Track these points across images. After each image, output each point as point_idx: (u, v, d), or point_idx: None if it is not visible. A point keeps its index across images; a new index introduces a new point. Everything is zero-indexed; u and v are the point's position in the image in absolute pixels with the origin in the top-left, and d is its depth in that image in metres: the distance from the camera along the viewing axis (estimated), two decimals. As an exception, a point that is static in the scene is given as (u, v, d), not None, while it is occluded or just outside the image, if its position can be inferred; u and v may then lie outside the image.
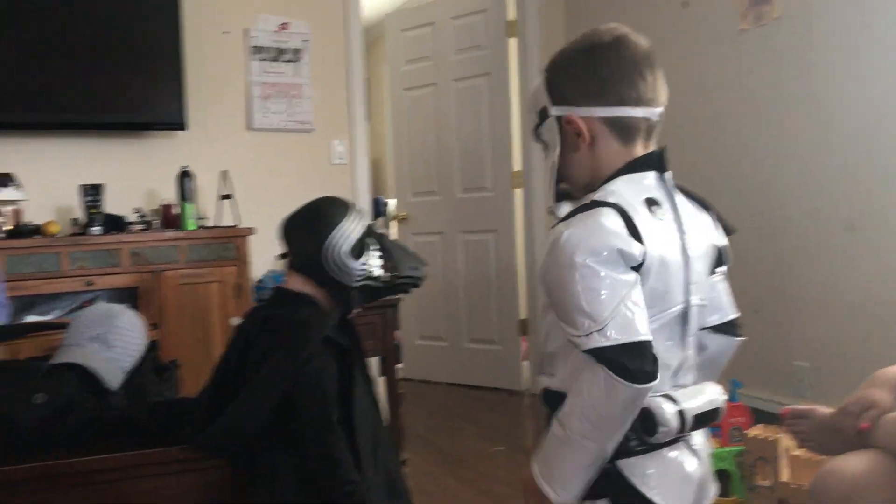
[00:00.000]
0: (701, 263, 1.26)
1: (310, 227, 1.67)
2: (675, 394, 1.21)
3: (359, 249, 1.62)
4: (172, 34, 3.53)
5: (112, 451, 1.73)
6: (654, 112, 1.26)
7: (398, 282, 1.63)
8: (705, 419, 1.25)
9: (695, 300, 1.24)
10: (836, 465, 1.55)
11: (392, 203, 5.80)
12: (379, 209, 6.35)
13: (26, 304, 3.05)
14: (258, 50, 3.92)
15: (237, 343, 1.67)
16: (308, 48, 4.03)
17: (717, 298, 1.32)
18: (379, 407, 1.70)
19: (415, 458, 3.53)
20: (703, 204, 1.32)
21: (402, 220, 5.19)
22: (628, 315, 1.10)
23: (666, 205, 1.23)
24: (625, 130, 1.25)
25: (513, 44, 4.60)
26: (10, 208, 3.18)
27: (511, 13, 4.59)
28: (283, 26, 3.97)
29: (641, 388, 1.10)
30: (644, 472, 1.21)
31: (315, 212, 1.69)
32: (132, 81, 3.48)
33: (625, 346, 1.09)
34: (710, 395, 1.26)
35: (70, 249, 3.11)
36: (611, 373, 1.09)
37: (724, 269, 1.34)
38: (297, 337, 1.56)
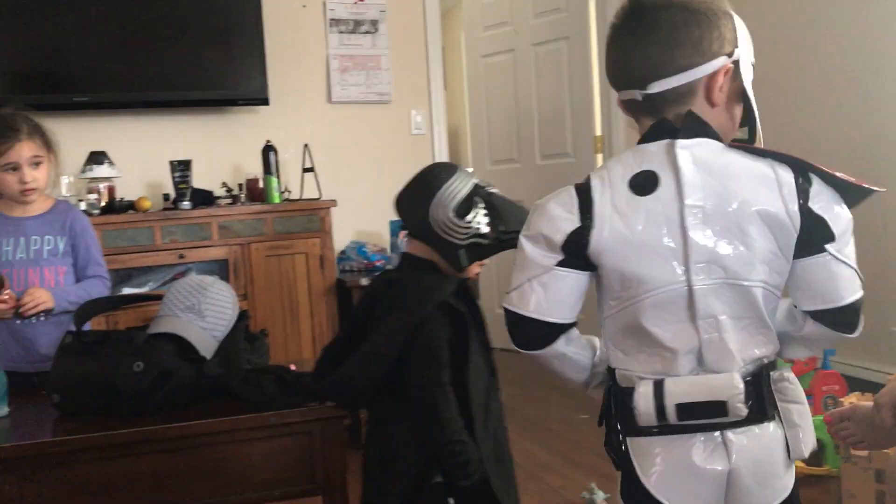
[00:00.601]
0: (717, 240, 1.11)
1: (418, 191, 1.71)
2: (672, 379, 1.13)
3: (465, 208, 1.63)
4: (254, 10, 3.58)
5: (206, 417, 1.79)
6: (633, 93, 1.18)
7: (505, 238, 1.63)
8: (696, 411, 1.12)
9: (700, 280, 1.12)
10: None
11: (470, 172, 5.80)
12: (458, 179, 6.36)
13: (122, 276, 3.17)
14: (336, 22, 3.94)
15: (364, 302, 1.72)
16: (385, 19, 4.03)
17: (809, 281, 1.16)
18: (496, 374, 1.72)
19: (498, 426, 3.56)
20: (792, 166, 1.14)
21: (481, 189, 5.17)
22: (527, 291, 1.20)
23: (667, 176, 1.14)
24: (630, 110, 1.23)
25: (593, 5, 4.50)
26: (104, 185, 3.30)
27: (590, -25, 4.49)
28: (360, -2, 3.98)
29: (526, 353, 1.26)
30: (648, 453, 1.17)
31: (422, 176, 1.74)
32: (216, 59, 3.56)
33: (516, 316, 1.22)
34: (716, 386, 1.12)
35: (162, 224, 3.22)
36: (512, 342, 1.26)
37: (826, 251, 1.14)
38: (413, 300, 1.61)
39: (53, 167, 2.27)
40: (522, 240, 1.21)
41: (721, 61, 1.16)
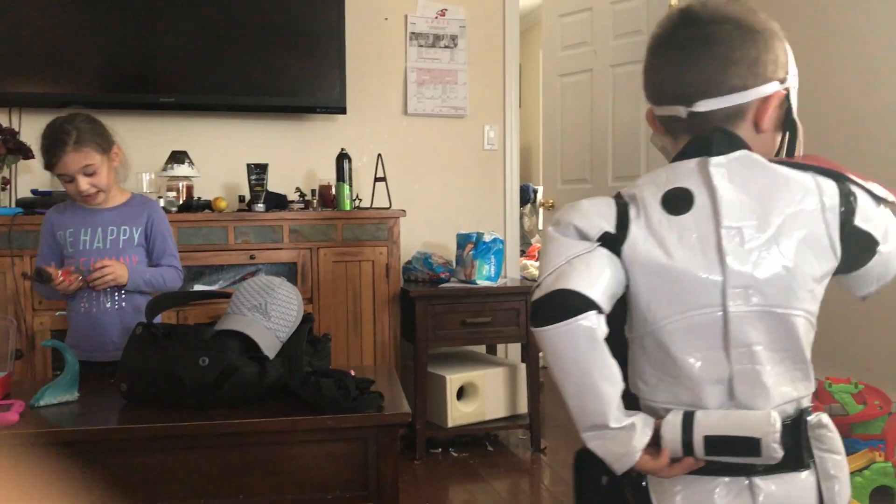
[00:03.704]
0: (756, 264, 1.05)
1: None
2: (703, 411, 1.06)
3: None
4: (337, 21, 3.65)
5: (265, 416, 1.82)
6: (678, 110, 1.13)
7: None
8: (726, 447, 1.03)
9: (737, 305, 1.05)
10: None
11: (540, 190, 5.78)
12: (527, 196, 6.35)
13: (195, 273, 3.26)
14: (416, 36, 3.99)
15: None
16: (464, 34, 4.06)
17: (866, 277, 1.13)
18: None
19: (554, 446, 3.52)
20: (835, 179, 1.08)
21: (549, 208, 5.16)
22: (567, 270, 1.06)
23: (702, 195, 1.08)
24: (666, 126, 1.18)
25: (674, 29, 4.44)
26: (183, 184, 3.40)
27: (673, -2, 4.44)
28: (442, 13, 4.02)
29: (549, 328, 1.03)
30: (668, 493, 1.09)
31: None
32: (298, 67, 3.64)
33: (548, 295, 1.05)
34: (751, 422, 1.03)
35: (236, 224, 3.30)
36: (532, 326, 1.07)
37: (877, 254, 1.10)
38: None
39: (118, 163, 2.31)
40: (553, 233, 1.12)
41: (774, 86, 1.12)
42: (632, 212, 1.10)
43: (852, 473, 2.63)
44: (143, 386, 1.90)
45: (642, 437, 1.05)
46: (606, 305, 1.06)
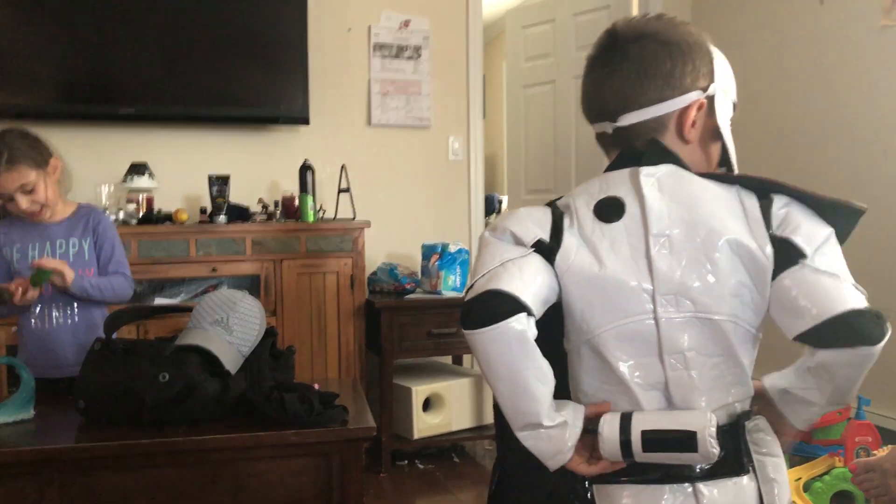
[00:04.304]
0: (685, 271, 1.06)
1: None
2: (640, 412, 1.07)
3: None
4: (299, 32, 3.63)
5: (227, 432, 1.79)
6: (604, 126, 1.17)
7: None
8: (664, 442, 1.04)
9: (668, 312, 1.06)
10: None
11: (505, 200, 5.80)
12: (493, 206, 6.37)
13: (156, 287, 3.21)
14: (379, 47, 3.99)
15: None
16: (428, 45, 4.06)
17: (791, 299, 1.04)
18: None
19: (520, 458, 3.52)
20: (757, 191, 1.09)
21: (515, 218, 5.17)
22: (500, 272, 1.06)
23: (632, 203, 1.10)
24: (601, 142, 1.22)
25: (635, 41, 4.49)
26: (143, 196, 3.36)
27: (635, 9, 4.49)
28: (406, 24, 4.02)
29: (478, 331, 1.03)
30: (614, 502, 1.10)
31: None
32: (260, 77, 3.61)
33: (479, 296, 1.05)
34: (687, 418, 1.05)
35: (197, 237, 3.25)
36: (462, 329, 1.06)
37: (800, 265, 1.04)
38: None
39: (57, 177, 2.23)
40: (489, 237, 1.14)
41: (693, 96, 1.13)
42: (566, 221, 1.13)
43: (813, 479, 2.66)
44: (101, 403, 1.86)
45: (573, 432, 1.07)
46: (537, 309, 1.07)
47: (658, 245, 1.07)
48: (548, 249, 1.10)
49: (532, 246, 1.10)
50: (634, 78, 1.13)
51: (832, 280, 1.03)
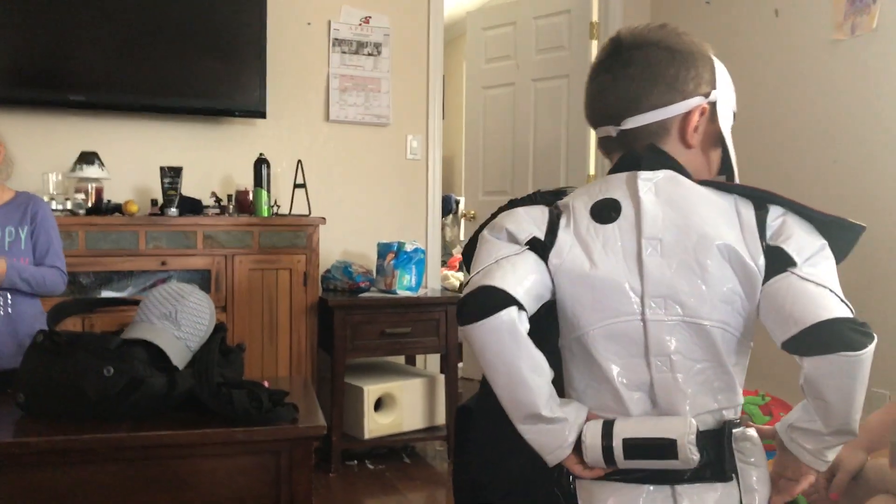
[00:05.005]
0: (675, 275, 1.07)
1: None
2: (622, 418, 1.09)
3: None
4: (258, 23, 3.58)
5: (174, 428, 1.75)
6: (608, 130, 1.20)
7: None
8: (645, 450, 1.06)
9: (657, 315, 1.07)
10: None
11: (462, 201, 5.80)
12: (449, 206, 6.36)
13: (103, 279, 3.13)
14: (339, 42, 3.95)
15: None
16: (388, 43, 4.04)
17: (776, 306, 1.05)
18: None
19: (471, 459, 3.51)
20: (754, 200, 1.10)
21: (470, 219, 5.18)
22: (494, 269, 1.09)
23: (628, 206, 1.12)
24: (603, 147, 1.25)
25: (595, 46, 4.53)
26: (92, 185, 3.27)
27: (595, 14, 4.53)
28: (366, 20, 3.99)
29: (473, 326, 1.06)
30: (596, 499, 1.12)
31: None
32: (216, 68, 3.55)
33: (473, 292, 1.08)
34: (667, 425, 1.06)
35: (147, 229, 3.18)
36: (458, 324, 1.09)
37: (787, 272, 1.05)
38: None
39: (0, 162, 2.21)
40: (487, 235, 1.18)
41: (696, 101, 1.17)
42: (563, 220, 1.15)
43: None
44: (42, 397, 1.80)
45: (574, 430, 1.09)
46: (530, 304, 1.09)
47: (650, 248, 1.09)
48: (542, 247, 1.12)
49: (526, 244, 1.13)
50: (640, 82, 1.16)
51: (818, 289, 1.03)
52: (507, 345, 1.06)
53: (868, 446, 1.46)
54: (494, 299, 1.06)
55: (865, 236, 1.11)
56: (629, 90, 1.16)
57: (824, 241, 1.09)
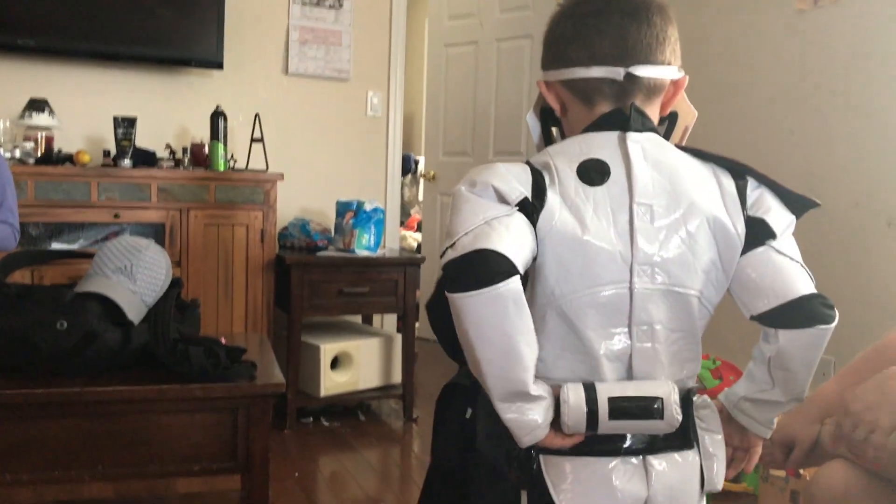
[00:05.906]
0: (664, 242, 1.06)
1: None
2: (603, 382, 1.06)
3: None
4: (216, -30, 3.47)
5: (128, 384, 1.73)
6: (616, 71, 1.10)
7: None
8: (631, 408, 1.04)
9: (643, 283, 1.05)
10: (820, 476, 1.49)
11: (421, 161, 5.76)
12: (408, 166, 6.32)
13: (53, 231, 3.05)
14: (300, -6, 3.86)
15: None
16: (351, -4, 3.96)
17: (755, 279, 1.08)
18: None
19: (426, 416, 3.54)
20: (732, 171, 1.11)
21: (430, 179, 5.15)
22: (486, 231, 0.99)
23: (618, 169, 1.07)
24: (584, 93, 1.14)
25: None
26: (42, 134, 3.17)
27: (560, -24, 4.49)
28: (328, -29, 3.90)
29: (475, 293, 0.95)
30: (563, 472, 1.08)
31: None
32: (172, 16, 3.44)
33: (466, 256, 0.97)
34: (649, 387, 1.05)
35: (100, 180, 3.10)
36: (446, 291, 0.98)
37: (767, 246, 1.08)
38: None
39: None
40: (467, 193, 1.05)
41: (682, 73, 1.15)
42: (546, 179, 1.07)
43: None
44: (-9, 351, 1.75)
45: (552, 408, 1.04)
46: (523, 271, 1.01)
47: (640, 214, 1.05)
48: (531, 209, 1.05)
49: (517, 205, 1.04)
50: (657, 34, 1.11)
51: (793, 265, 1.08)
52: (510, 317, 0.97)
53: (820, 417, 1.49)
54: (497, 265, 0.96)
55: (815, 210, 1.14)
56: (648, 37, 1.10)
57: (793, 216, 1.11)
